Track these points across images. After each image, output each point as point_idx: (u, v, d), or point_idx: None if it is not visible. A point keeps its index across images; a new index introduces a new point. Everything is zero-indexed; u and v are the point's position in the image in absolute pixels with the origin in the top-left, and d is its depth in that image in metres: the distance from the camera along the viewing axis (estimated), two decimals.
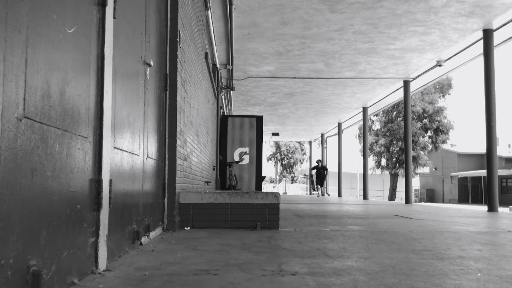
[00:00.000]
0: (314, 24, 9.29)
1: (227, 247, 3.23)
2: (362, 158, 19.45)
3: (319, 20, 9.10)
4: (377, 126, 34.81)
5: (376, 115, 32.98)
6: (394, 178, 34.30)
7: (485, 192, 39.05)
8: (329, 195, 27.66)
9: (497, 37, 9.62)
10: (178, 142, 4.37)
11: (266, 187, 47.53)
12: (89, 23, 2.16)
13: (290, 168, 54.27)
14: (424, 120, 32.73)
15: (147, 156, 3.44)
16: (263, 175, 14.17)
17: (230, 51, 10.51)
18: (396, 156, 33.01)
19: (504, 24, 9.25)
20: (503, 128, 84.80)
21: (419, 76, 13.39)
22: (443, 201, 46.37)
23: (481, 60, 9.81)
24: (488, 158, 9.59)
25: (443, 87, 33.23)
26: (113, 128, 2.50)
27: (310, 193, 16.56)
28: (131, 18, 2.93)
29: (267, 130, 23.14)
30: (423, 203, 35.78)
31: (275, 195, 4.65)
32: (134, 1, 3.06)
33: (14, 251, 1.45)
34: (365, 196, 17.97)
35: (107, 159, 2.38)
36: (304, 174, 51.76)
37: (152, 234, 3.60)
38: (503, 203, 28.92)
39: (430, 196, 49.93)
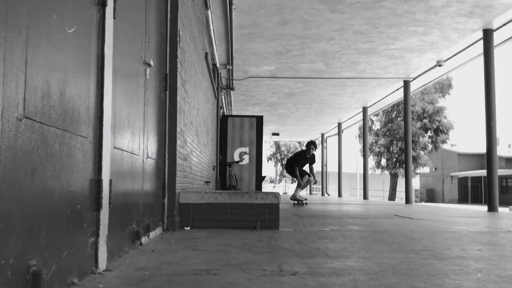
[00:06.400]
0: (314, 24, 9.29)
1: (227, 247, 3.23)
2: (362, 158, 19.45)
3: (319, 20, 9.10)
4: (377, 126, 34.80)
5: (376, 115, 32.98)
6: (394, 178, 34.30)
7: (485, 192, 39.05)
8: (329, 195, 27.67)
9: (497, 37, 9.62)
10: (178, 142, 4.37)
11: (266, 187, 47.51)
12: (89, 23, 2.16)
13: None
14: (424, 120, 32.73)
15: (147, 156, 3.44)
16: (263, 175, 14.16)
17: (230, 51, 10.50)
18: (396, 156, 33.01)
19: (504, 24, 9.25)
20: (503, 128, 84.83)
21: (419, 76, 13.39)
22: (443, 201, 46.36)
23: (481, 60, 9.80)
24: (488, 158, 9.58)
25: (443, 87, 33.23)
26: (113, 128, 2.50)
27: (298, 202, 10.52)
28: (131, 18, 2.93)
29: (267, 130, 23.14)
30: (423, 203, 35.77)
31: (275, 195, 4.65)
32: (134, 1, 3.06)
33: (14, 251, 1.45)
34: (365, 196, 17.97)
35: (107, 159, 2.38)
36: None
37: (152, 234, 3.60)
38: (503, 203, 28.93)
39: (430, 196, 49.93)
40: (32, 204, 1.59)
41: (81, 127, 2.05)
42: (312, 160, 10.55)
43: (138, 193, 3.17)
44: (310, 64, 12.29)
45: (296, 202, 10.55)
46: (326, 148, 26.78)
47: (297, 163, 10.37)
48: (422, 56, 11.50)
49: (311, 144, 10.45)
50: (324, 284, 2.06)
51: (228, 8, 8.05)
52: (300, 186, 10.50)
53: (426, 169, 43.44)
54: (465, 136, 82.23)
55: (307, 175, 10.54)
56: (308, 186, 11.39)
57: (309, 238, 3.84)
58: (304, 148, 10.83)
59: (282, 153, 53.06)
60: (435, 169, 49.33)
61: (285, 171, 11.90)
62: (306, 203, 10.68)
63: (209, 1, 7.37)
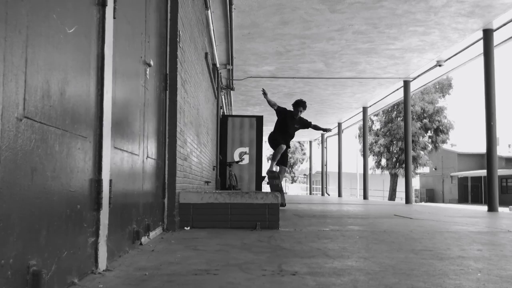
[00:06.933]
0: (314, 24, 9.29)
1: (227, 247, 3.23)
2: (362, 158, 19.46)
3: (319, 20, 9.10)
4: (377, 126, 34.80)
5: (376, 115, 32.98)
6: (394, 178, 34.30)
7: (485, 192, 39.04)
8: (329, 195, 27.67)
9: (497, 37, 9.62)
10: (178, 142, 4.37)
11: (266, 187, 47.49)
12: (89, 23, 2.16)
13: (290, 168, 54.28)
14: (424, 120, 32.74)
15: (147, 156, 3.44)
16: (263, 175, 14.16)
17: (230, 51, 10.51)
18: (396, 156, 33.01)
19: (504, 24, 9.25)
20: (503, 128, 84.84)
21: (419, 76, 13.39)
22: (443, 201, 46.35)
23: (481, 60, 9.81)
24: (488, 158, 9.59)
25: (443, 87, 33.23)
26: (113, 128, 2.50)
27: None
28: (131, 18, 2.93)
29: (267, 130, 23.11)
30: (423, 203, 35.77)
31: (275, 195, 4.65)
32: (134, 1, 3.06)
33: (14, 251, 1.45)
34: (365, 196, 17.97)
35: (107, 159, 2.38)
36: (304, 174, 51.75)
37: (152, 234, 3.60)
38: (503, 203, 28.93)
39: (430, 196, 49.92)
40: (32, 204, 1.59)
41: (81, 127, 2.05)
42: (301, 125, 8.33)
43: (138, 193, 3.17)
44: (310, 64, 12.29)
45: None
46: (326, 148, 26.78)
47: (283, 126, 8.07)
48: (422, 56, 11.50)
49: (299, 106, 8.00)
50: (324, 284, 2.06)
51: (228, 8, 8.06)
52: (274, 160, 8.15)
53: (426, 169, 43.45)
54: (465, 136, 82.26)
55: (284, 167, 8.24)
56: (285, 178, 9.38)
57: (309, 238, 3.84)
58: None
59: None
60: (435, 169, 49.33)
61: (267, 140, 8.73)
62: (284, 204, 8.26)
63: (209, 1, 7.37)
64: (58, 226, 1.80)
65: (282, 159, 8.20)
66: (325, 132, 8.54)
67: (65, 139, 1.86)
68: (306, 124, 8.49)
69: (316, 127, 8.83)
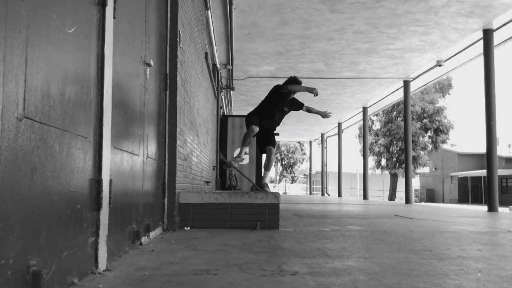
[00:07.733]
0: (314, 24, 9.29)
1: (227, 247, 3.23)
2: (362, 158, 19.46)
3: (319, 20, 9.10)
4: (377, 126, 34.79)
5: (376, 115, 32.96)
6: (394, 178, 34.29)
7: (485, 192, 39.03)
8: (329, 195, 27.67)
9: (497, 37, 9.62)
10: (178, 142, 4.37)
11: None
12: (89, 23, 2.16)
13: (290, 168, 54.30)
14: (424, 120, 32.72)
15: (147, 156, 3.44)
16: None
17: (230, 51, 10.50)
18: (396, 156, 33.00)
19: (504, 24, 9.25)
20: (503, 128, 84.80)
21: (419, 76, 13.39)
22: (443, 201, 46.34)
23: (481, 60, 9.80)
24: (488, 158, 9.58)
25: (443, 87, 33.21)
26: (113, 128, 2.50)
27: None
28: (131, 18, 2.93)
29: None
30: (423, 203, 35.77)
31: (275, 195, 4.65)
32: (134, 1, 3.06)
33: (14, 251, 1.45)
34: (365, 196, 17.97)
35: (107, 159, 2.38)
36: (304, 174, 51.77)
37: (152, 234, 3.60)
38: (503, 203, 28.91)
39: (430, 196, 49.90)
40: (32, 204, 1.59)
41: (81, 127, 2.05)
42: (293, 107, 6.87)
43: (138, 193, 3.17)
44: (310, 64, 12.29)
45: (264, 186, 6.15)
46: (326, 148, 26.78)
47: (269, 107, 6.63)
48: (422, 56, 11.49)
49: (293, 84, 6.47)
50: (324, 284, 2.06)
51: (228, 8, 8.06)
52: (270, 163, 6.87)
53: (426, 169, 43.42)
54: (465, 136, 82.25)
55: (270, 147, 6.66)
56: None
57: (309, 238, 3.84)
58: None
59: (282, 153, 53.09)
60: (435, 169, 49.31)
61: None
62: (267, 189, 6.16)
63: (209, 1, 7.37)
64: (58, 226, 1.80)
65: (269, 140, 6.72)
66: (324, 117, 6.99)
67: (65, 139, 1.86)
68: (299, 106, 6.94)
69: (311, 110, 7.22)
